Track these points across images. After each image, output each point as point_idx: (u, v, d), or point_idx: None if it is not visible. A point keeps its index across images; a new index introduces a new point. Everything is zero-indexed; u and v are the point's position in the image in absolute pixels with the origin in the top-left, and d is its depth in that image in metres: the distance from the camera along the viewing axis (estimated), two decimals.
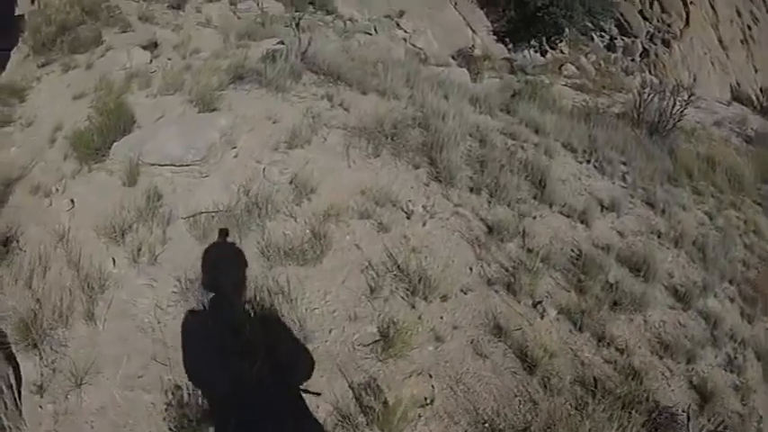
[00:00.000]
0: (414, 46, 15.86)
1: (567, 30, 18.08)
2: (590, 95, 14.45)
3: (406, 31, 16.41)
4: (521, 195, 6.06)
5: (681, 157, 8.62)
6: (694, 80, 18.70)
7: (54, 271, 4.87)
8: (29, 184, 6.23)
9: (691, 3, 21.14)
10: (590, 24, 18.73)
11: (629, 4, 20.83)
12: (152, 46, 9.38)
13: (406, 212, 5.44)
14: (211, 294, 4.47)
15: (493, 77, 15.10)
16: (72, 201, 5.69)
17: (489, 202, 5.87)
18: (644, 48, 20.59)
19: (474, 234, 5.40)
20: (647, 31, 20.85)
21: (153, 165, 5.64)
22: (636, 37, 20.70)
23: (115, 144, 6.15)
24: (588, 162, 7.23)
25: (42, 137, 7.14)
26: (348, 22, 15.56)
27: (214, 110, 6.64)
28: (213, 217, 5.10)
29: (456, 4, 17.72)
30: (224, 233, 4.96)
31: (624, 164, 7.56)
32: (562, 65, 17.79)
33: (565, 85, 15.44)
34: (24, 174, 6.48)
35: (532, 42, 18.10)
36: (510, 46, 17.80)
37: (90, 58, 8.93)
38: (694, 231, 6.72)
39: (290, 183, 5.53)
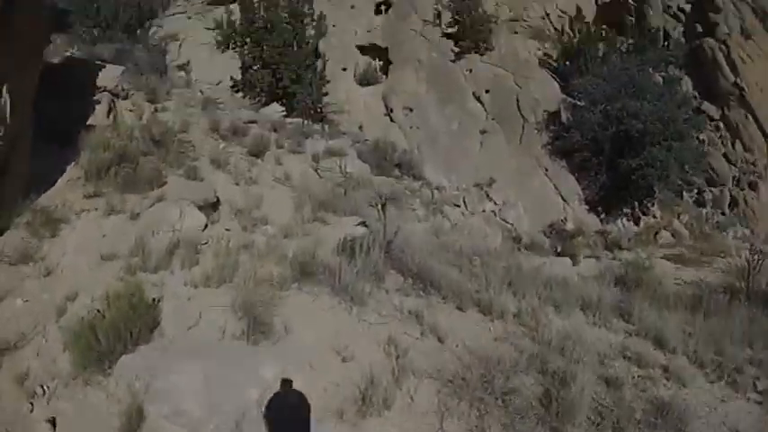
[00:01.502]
0: (505, 221, 15.66)
1: (657, 191, 17.80)
2: (690, 267, 13.99)
3: (495, 203, 16.32)
4: None
5: None
6: None
7: None
8: (17, 366, 5.23)
9: None
10: (681, 181, 18.47)
11: (714, 150, 20.92)
12: (211, 206, 8.28)
13: None
14: None
15: (589, 257, 14.36)
16: (53, 423, 4.58)
17: None
18: (732, 196, 20.16)
19: None
20: (733, 176, 20.58)
21: (162, 417, 4.03)
22: (723, 185, 20.44)
23: (123, 357, 4.89)
24: (720, 379, 6.23)
25: (53, 300, 6.07)
26: (436, 191, 15.39)
27: (263, 332, 5.19)
28: None
29: (547, 170, 17.76)
30: None
31: (751, 362, 6.52)
32: (657, 232, 17.24)
33: (663, 258, 14.76)
34: (19, 344, 5.46)
35: (624, 210, 17.79)
36: (603, 216, 17.49)
37: (140, 203, 7.97)
38: None
39: None
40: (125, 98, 11.64)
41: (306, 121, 15.33)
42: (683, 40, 24.93)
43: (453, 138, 18.70)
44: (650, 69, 19.35)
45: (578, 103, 18.64)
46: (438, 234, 11.23)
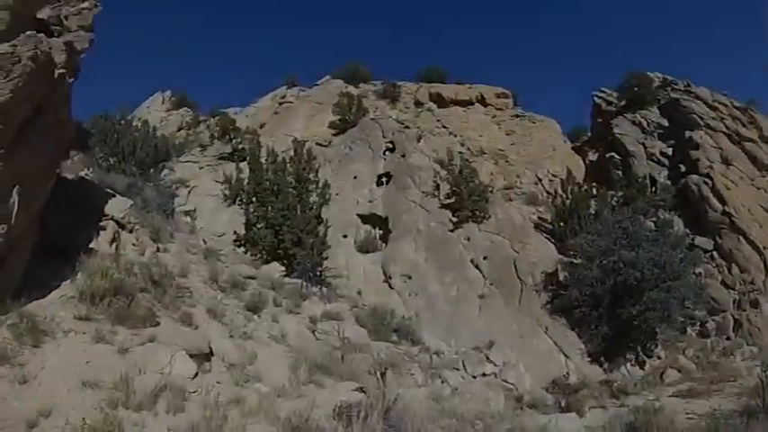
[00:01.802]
0: (506, 382, 15.10)
1: (660, 332, 17.63)
2: (701, 398, 13.39)
3: (495, 365, 15.83)
4: None
5: None
6: None
7: None
8: None
9: (765, 248, 21.60)
10: (683, 318, 18.42)
11: (712, 280, 21.17)
12: (203, 357, 7.89)
13: None
14: None
15: (595, 407, 13.67)
16: None
17: None
18: (735, 319, 20.11)
19: None
20: (733, 300, 20.76)
21: None
22: (724, 311, 20.48)
23: None
24: None
25: (25, 410, 5.77)
26: (434, 356, 15.05)
27: None
28: None
29: (547, 329, 17.71)
30: None
31: None
32: (662, 372, 16.74)
33: (672, 396, 14.27)
34: None
35: (628, 356, 17.47)
36: (605, 366, 17.09)
37: (130, 339, 7.75)
38: None
39: None
40: (130, 231, 11.79)
41: (305, 283, 15.38)
42: (668, 182, 26.85)
43: (452, 304, 18.78)
44: (642, 217, 20.12)
45: (575, 261, 19.06)
46: (438, 399, 10.73)
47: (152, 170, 19.74)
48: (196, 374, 7.27)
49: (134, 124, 21.89)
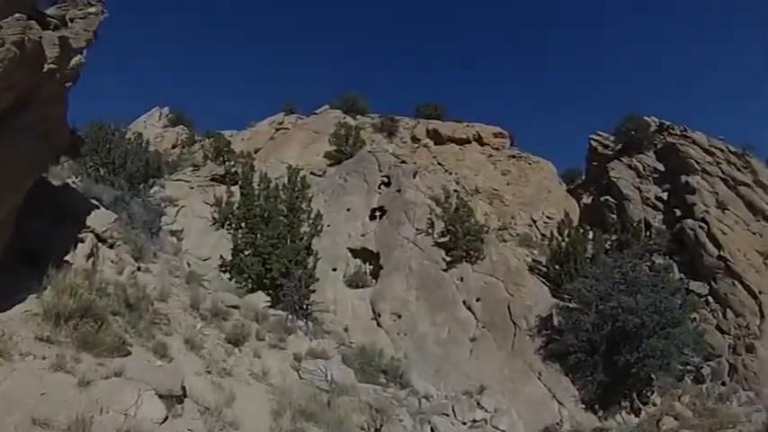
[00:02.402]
0: (496, 429, 14.43)
1: (656, 379, 17.14)
2: None
3: (486, 411, 15.10)
4: None
5: None
6: None
7: None
8: None
9: (760, 293, 21.34)
10: (681, 365, 17.90)
11: (707, 324, 20.87)
12: (174, 398, 6.97)
13: None
14: None
15: None
16: None
17: None
18: (730, 364, 19.75)
19: None
20: (728, 345, 20.48)
21: None
22: (719, 356, 20.13)
23: None
24: None
25: None
26: (423, 400, 14.30)
27: None
28: None
29: (540, 374, 17.02)
30: None
31: None
32: (659, 420, 16.33)
33: None
34: None
35: (623, 403, 16.89)
36: (600, 413, 16.50)
37: (94, 370, 6.86)
38: None
39: None
40: (111, 247, 11.10)
41: (290, 316, 14.61)
42: (663, 227, 26.58)
43: (443, 345, 17.93)
44: (640, 262, 19.50)
45: (571, 305, 18.45)
46: None
47: (142, 185, 19.05)
48: (165, 419, 6.39)
49: (127, 136, 21.20)
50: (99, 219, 11.21)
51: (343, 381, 10.96)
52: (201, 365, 8.63)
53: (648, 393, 17.28)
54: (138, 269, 11.44)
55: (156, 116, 45.39)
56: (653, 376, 16.87)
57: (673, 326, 16.14)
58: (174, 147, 40.03)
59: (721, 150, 28.73)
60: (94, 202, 12.27)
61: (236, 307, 12.85)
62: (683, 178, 27.42)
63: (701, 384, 19.37)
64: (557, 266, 21.10)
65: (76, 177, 17.11)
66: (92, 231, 10.70)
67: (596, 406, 16.52)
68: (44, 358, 6.66)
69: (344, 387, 10.71)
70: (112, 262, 10.80)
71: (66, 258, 9.26)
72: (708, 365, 19.88)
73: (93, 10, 11.09)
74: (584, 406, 16.47)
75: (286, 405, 8.07)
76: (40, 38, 7.62)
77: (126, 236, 11.94)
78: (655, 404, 17.15)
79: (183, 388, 7.25)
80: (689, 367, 19.17)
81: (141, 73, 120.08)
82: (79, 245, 10.02)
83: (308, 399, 8.78)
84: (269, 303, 15.01)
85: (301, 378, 10.58)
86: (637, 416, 16.65)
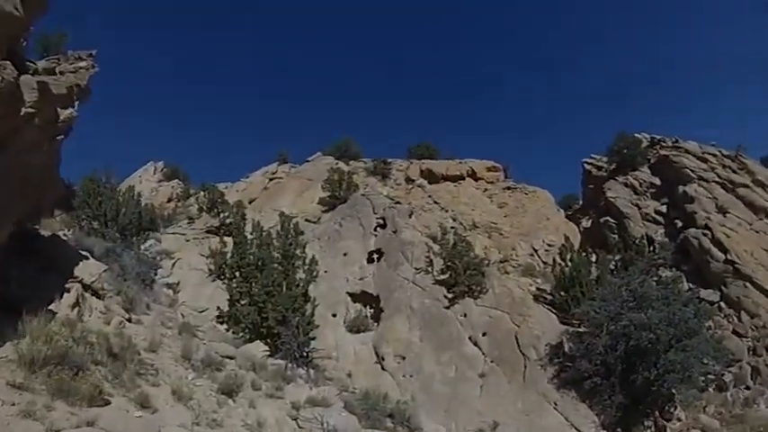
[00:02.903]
0: None
1: (677, 393, 16.21)
2: None
3: None
4: None
5: None
6: None
7: None
8: None
9: None
10: (703, 376, 17.07)
11: (723, 331, 20.35)
12: None
13: None
14: None
15: None
16: None
17: None
18: (752, 367, 19.18)
19: None
20: (748, 348, 19.93)
21: None
22: (740, 360, 19.56)
23: None
24: None
25: None
26: None
27: None
28: None
29: (556, 404, 16.16)
30: None
31: None
32: None
33: None
34: None
35: (646, 423, 16.02)
36: None
37: (66, 419, 6.41)
38: None
39: None
40: (100, 298, 10.88)
41: (290, 365, 14.02)
42: (666, 240, 26.28)
43: (450, 384, 17.10)
44: (647, 277, 18.83)
45: (581, 330, 17.76)
46: None
47: (135, 238, 18.74)
48: None
49: (118, 189, 20.98)
50: (87, 269, 11.03)
51: (345, 428, 10.25)
52: (189, 417, 8.01)
53: (671, 409, 16.47)
54: (129, 320, 11.16)
55: (150, 171, 45.38)
56: (674, 391, 16.10)
57: (689, 337, 15.52)
58: (169, 200, 39.89)
59: (714, 156, 28.72)
60: (84, 253, 12.05)
61: (231, 357, 12.35)
62: (681, 188, 27.32)
63: (724, 392, 18.66)
64: (562, 293, 20.33)
65: (69, 230, 16.91)
66: (79, 281, 10.47)
67: (618, 429, 15.73)
68: (13, 404, 6.26)
69: None
70: (101, 312, 10.57)
71: (50, 307, 8.98)
72: (729, 372, 19.22)
73: (83, 64, 11.07)
74: (605, 431, 15.68)
75: None
76: (16, 79, 7.47)
77: (117, 287, 11.71)
78: (679, 419, 16.38)
79: None
80: (710, 376, 18.40)
81: (136, 129, 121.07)
82: (65, 294, 9.76)
83: None
84: (267, 353, 14.39)
85: (300, 428, 9.89)
86: None
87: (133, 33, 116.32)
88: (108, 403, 7.04)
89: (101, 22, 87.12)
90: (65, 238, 13.83)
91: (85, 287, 10.60)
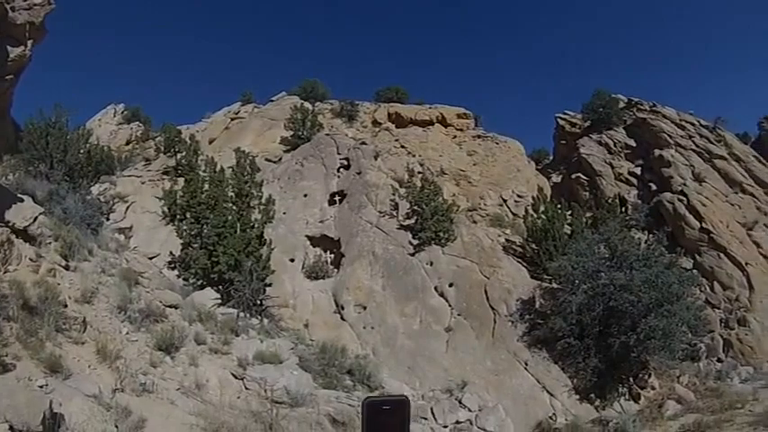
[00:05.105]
0: (483, 430, 12.93)
1: (651, 360, 15.72)
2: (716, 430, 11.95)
3: (470, 410, 13.48)
4: None
5: None
6: None
7: None
8: None
9: (747, 264, 21.08)
10: (684, 344, 16.56)
11: (699, 301, 19.76)
12: None
13: None
14: None
15: None
16: None
17: None
18: (724, 339, 19.48)
19: None
20: (720, 319, 20.22)
21: None
22: (712, 331, 19.81)
23: None
24: None
25: None
26: None
27: None
28: None
29: (527, 365, 15.40)
30: None
31: None
32: (660, 405, 14.89)
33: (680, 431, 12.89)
34: None
35: (620, 390, 15.42)
36: (597, 402, 15.09)
37: None
38: None
39: None
40: (34, 244, 9.64)
41: (242, 314, 12.86)
42: (639, 202, 26.20)
43: (415, 338, 16.12)
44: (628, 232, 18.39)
45: (554, 286, 16.92)
46: None
47: (84, 180, 17.21)
48: None
49: (68, 129, 19.23)
50: (20, 212, 9.92)
51: (298, 389, 9.09)
52: (112, 381, 6.77)
53: (646, 377, 15.86)
54: (67, 268, 9.96)
55: (110, 113, 42.93)
56: (648, 358, 15.49)
57: (671, 302, 14.69)
58: (128, 143, 37.88)
59: (692, 125, 28.21)
60: (21, 196, 10.76)
61: (176, 307, 11.09)
62: (657, 152, 26.86)
63: (696, 362, 18.37)
64: (534, 245, 19.48)
65: (14, 174, 15.38)
66: (8, 225, 9.31)
67: (592, 395, 15.01)
68: None
69: (300, 396, 8.88)
70: (30, 260, 9.22)
71: None
72: (702, 342, 19.02)
73: (38, 1, 9.55)
74: (578, 396, 14.94)
75: (217, 429, 6.33)
76: None
77: (56, 232, 10.51)
78: (654, 387, 15.78)
79: (55, 416, 5.25)
80: (684, 345, 17.70)
81: (96, 71, 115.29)
82: None
83: (247, 418, 7.10)
84: (218, 301, 13.28)
85: (246, 389, 8.75)
86: (636, 402, 15.27)
87: None
88: (8, 369, 5.76)
89: None
90: (5, 182, 12.45)
91: (17, 232, 9.47)
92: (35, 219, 10.18)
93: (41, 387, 5.70)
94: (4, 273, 8.42)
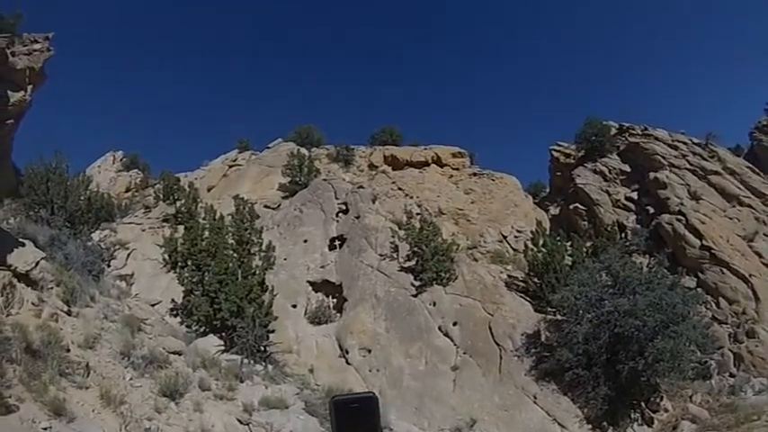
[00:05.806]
0: None
1: (661, 383, 15.59)
2: None
3: None
4: None
5: None
6: None
7: None
8: None
9: (750, 276, 20.73)
10: (693, 363, 16.33)
11: (706, 319, 19.45)
12: None
13: None
14: None
15: None
16: None
17: None
18: (734, 354, 19.04)
19: None
20: (729, 334, 19.73)
21: None
22: (722, 347, 19.30)
23: None
24: None
25: None
26: None
27: None
28: None
29: (536, 398, 15.22)
30: None
31: None
32: (675, 426, 14.98)
33: None
34: None
35: (633, 415, 15.25)
36: (610, 430, 14.97)
37: None
38: None
39: None
40: (36, 289, 9.57)
41: (246, 360, 12.73)
42: (638, 226, 26.01)
43: (421, 379, 15.93)
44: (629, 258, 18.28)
45: (558, 317, 16.82)
46: None
47: (84, 227, 17.23)
48: None
49: (68, 175, 19.33)
50: (22, 257, 9.82)
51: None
52: (116, 426, 6.69)
53: (657, 400, 15.69)
54: (69, 313, 9.89)
55: (109, 160, 43.31)
56: (658, 380, 15.38)
57: (677, 323, 14.70)
58: (127, 190, 38.19)
59: (685, 144, 28.47)
60: (24, 241, 10.76)
61: (179, 353, 11.00)
62: (652, 175, 26.97)
63: (708, 380, 18.07)
64: (536, 279, 19.51)
65: (15, 218, 15.49)
66: (10, 269, 9.24)
67: (604, 423, 14.83)
68: None
69: None
70: (33, 304, 9.17)
71: None
72: (711, 359, 18.71)
73: (38, 47, 9.72)
74: (590, 426, 14.76)
75: None
76: None
77: (58, 278, 10.44)
78: (666, 410, 15.63)
79: None
80: (695, 364, 17.52)
81: (96, 119, 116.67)
82: None
83: None
84: (222, 348, 13.14)
85: None
86: (650, 426, 15.11)
87: (95, 27, 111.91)
88: (12, 411, 5.71)
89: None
90: (6, 226, 12.49)
91: (19, 276, 9.37)
92: (37, 263, 10.20)
93: (45, 429, 5.56)
94: (7, 316, 8.36)
